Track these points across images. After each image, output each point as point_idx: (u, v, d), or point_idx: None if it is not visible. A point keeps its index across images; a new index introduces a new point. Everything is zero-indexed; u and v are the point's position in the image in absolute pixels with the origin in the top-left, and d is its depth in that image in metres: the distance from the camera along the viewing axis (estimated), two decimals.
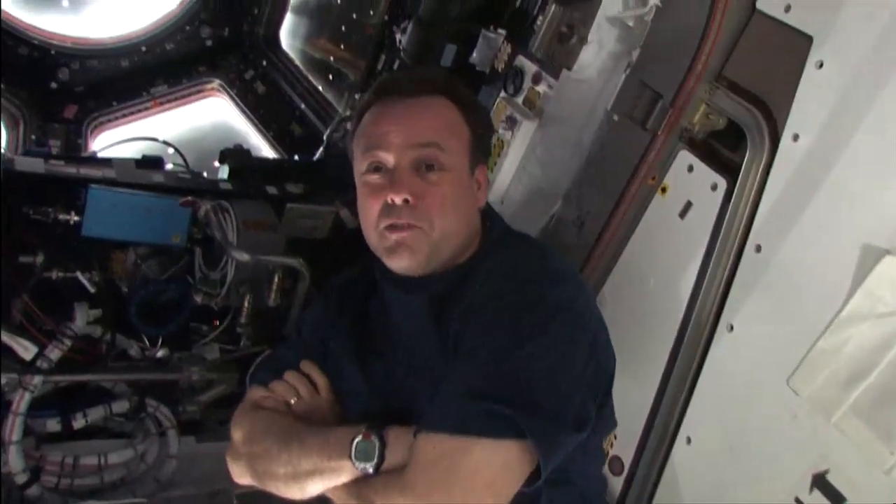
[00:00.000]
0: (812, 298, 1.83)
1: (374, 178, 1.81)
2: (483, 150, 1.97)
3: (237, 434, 1.89)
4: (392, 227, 1.78)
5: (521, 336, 1.62)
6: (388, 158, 1.79)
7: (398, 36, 3.74)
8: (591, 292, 1.99)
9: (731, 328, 2.04)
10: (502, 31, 3.25)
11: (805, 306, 1.85)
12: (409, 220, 1.76)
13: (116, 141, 3.62)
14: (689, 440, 2.12)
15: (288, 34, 5.03)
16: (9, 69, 4.31)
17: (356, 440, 1.66)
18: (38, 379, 2.62)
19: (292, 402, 1.93)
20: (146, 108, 4.77)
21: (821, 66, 1.90)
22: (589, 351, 1.69)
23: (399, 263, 1.81)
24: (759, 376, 1.94)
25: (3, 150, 4.05)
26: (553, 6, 2.68)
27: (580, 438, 1.63)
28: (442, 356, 1.75)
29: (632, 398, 2.23)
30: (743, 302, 2.02)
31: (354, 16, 4.52)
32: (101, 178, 2.89)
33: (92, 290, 2.88)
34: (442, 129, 1.84)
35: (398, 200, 1.76)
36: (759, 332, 1.97)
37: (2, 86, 4.19)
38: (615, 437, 2.31)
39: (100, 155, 3.46)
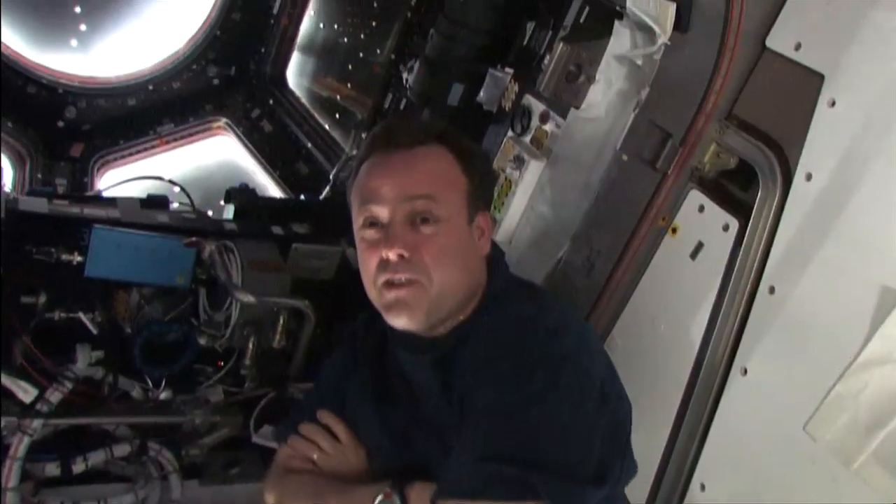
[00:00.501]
0: (828, 341, 1.80)
1: (370, 233, 1.80)
2: (484, 197, 1.94)
3: (270, 500, 1.95)
4: (389, 284, 1.76)
5: (528, 395, 1.59)
6: (383, 213, 1.77)
7: (405, 75, 3.75)
8: (597, 340, 1.94)
9: (745, 372, 2.00)
10: (509, 70, 3.25)
11: (821, 349, 1.81)
12: (406, 274, 1.74)
13: (122, 180, 3.59)
14: (703, 487, 2.07)
15: (294, 73, 5.05)
16: (16, 108, 4.33)
17: (378, 500, 1.70)
18: (37, 422, 2.57)
19: (315, 457, 1.96)
20: (152, 147, 4.77)
21: (833, 104, 1.88)
22: (600, 401, 1.66)
23: (398, 321, 1.79)
24: (775, 421, 1.90)
25: (7, 190, 4.04)
26: (560, 45, 2.67)
27: (603, 493, 1.60)
28: (450, 416, 1.73)
29: (643, 443, 2.16)
30: (757, 345, 1.98)
31: (361, 55, 4.53)
32: (105, 217, 2.86)
33: (94, 331, 2.84)
34: (436, 179, 1.81)
35: (393, 256, 1.74)
36: (774, 376, 1.93)
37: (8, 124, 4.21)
38: None
39: (105, 194, 3.43)
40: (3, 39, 4.19)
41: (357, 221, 1.84)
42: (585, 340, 1.77)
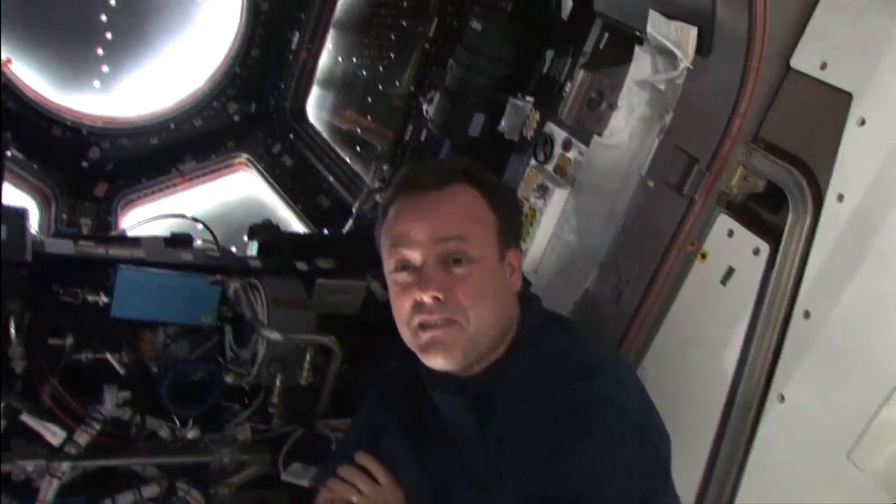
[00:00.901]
0: (867, 365, 1.76)
1: (402, 276, 1.79)
2: (512, 233, 1.93)
3: None
4: (424, 326, 1.75)
5: (565, 439, 1.58)
6: (414, 256, 1.77)
7: (425, 106, 3.74)
8: (634, 375, 1.90)
9: (783, 399, 1.95)
10: (530, 99, 3.23)
11: (860, 373, 1.77)
12: (441, 314, 1.73)
13: (146, 219, 3.61)
14: None
15: (314, 107, 5.07)
16: (41, 150, 4.39)
17: None
18: (66, 465, 2.57)
19: (355, 500, 1.94)
20: (175, 185, 4.81)
21: (863, 123, 1.85)
22: (639, 441, 1.63)
23: (435, 361, 1.77)
24: (817, 449, 1.85)
25: (34, 231, 4.07)
26: (581, 72, 2.67)
27: None
28: (485, 459, 1.72)
29: (679, 475, 2.11)
30: (793, 370, 1.94)
31: (380, 87, 4.55)
32: (129, 258, 2.87)
33: (121, 371, 2.84)
34: (466, 219, 1.79)
35: (427, 299, 1.73)
36: (814, 402, 1.88)
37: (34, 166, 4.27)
38: None
39: (129, 233, 3.46)
40: (28, 83, 4.26)
41: (388, 264, 1.83)
42: (622, 377, 1.75)
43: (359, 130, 4.81)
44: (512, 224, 1.91)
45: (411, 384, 1.98)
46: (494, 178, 1.96)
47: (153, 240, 3.18)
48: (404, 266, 1.79)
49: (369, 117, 4.71)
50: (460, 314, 1.73)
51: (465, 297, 1.73)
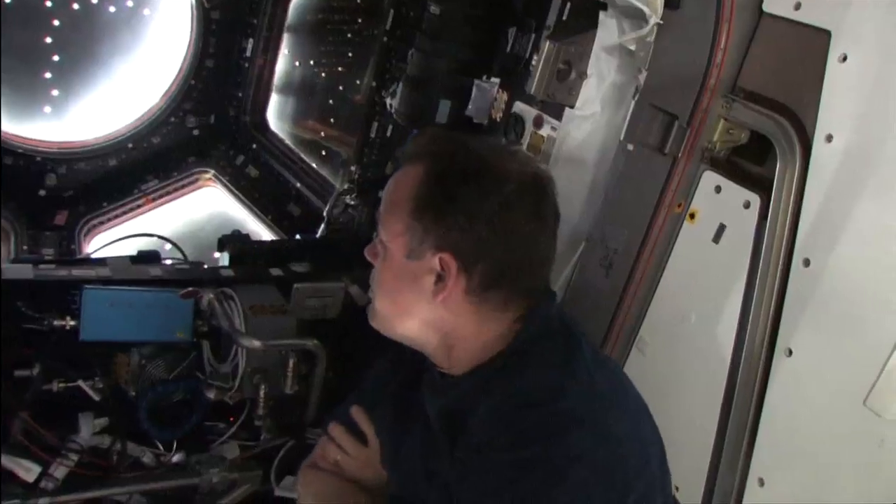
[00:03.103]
0: (875, 306, 1.68)
1: None
2: (447, 236, 1.57)
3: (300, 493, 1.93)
4: None
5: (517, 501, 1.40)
6: None
7: (388, 100, 3.66)
8: (625, 401, 1.61)
9: (790, 353, 1.87)
10: (496, 80, 3.15)
11: (869, 316, 1.70)
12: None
13: (109, 241, 3.50)
14: (761, 482, 1.92)
15: (275, 114, 4.97)
16: None
17: None
18: (43, 502, 2.44)
19: (339, 458, 1.89)
20: (139, 206, 4.68)
21: (844, 59, 1.80)
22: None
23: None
24: (831, 400, 1.77)
25: None
26: (547, 43, 2.58)
27: None
28: (452, 470, 1.58)
29: (690, 446, 2.05)
30: (798, 322, 1.86)
31: (341, 87, 4.46)
32: (95, 277, 2.76)
33: (96, 397, 2.74)
34: (390, 200, 1.64)
35: None
36: (823, 352, 1.80)
37: None
38: (677, 489, 2.10)
39: (93, 257, 3.33)
40: None
41: None
42: (611, 423, 1.49)
43: (322, 135, 4.71)
44: (443, 224, 1.57)
45: (418, 367, 1.86)
46: (461, 166, 1.61)
47: (119, 259, 3.08)
48: None
49: (332, 121, 4.61)
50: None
51: (372, 279, 1.71)
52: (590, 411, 1.47)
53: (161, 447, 2.89)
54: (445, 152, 1.64)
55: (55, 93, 4.38)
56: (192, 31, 4.53)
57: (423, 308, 1.63)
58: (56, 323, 2.64)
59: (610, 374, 1.62)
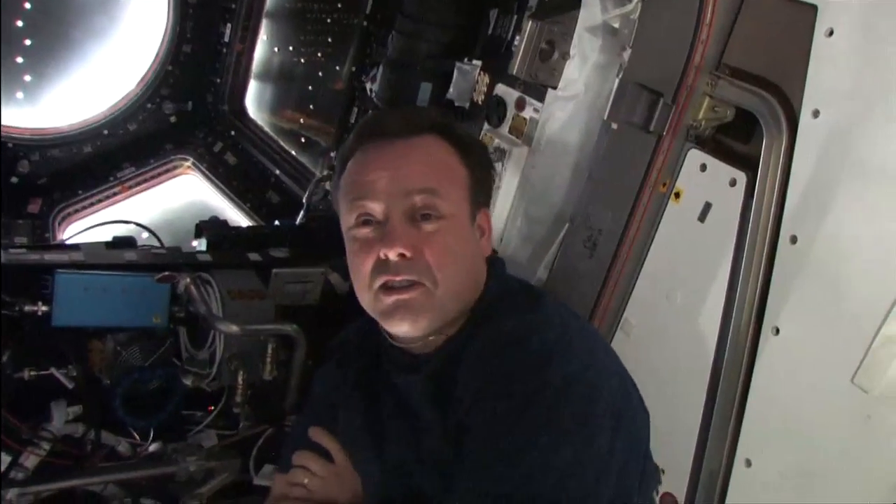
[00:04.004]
0: (862, 284, 1.67)
1: (364, 232, 1.61)
2: (484, 192, 1.75)
3: None
4: (388, 288, 1.57)
5: (532, 429, 1.42)
6: (378, 209, 1.59)
7: (368, 85, 3.62)
8: (605, 347, 1.70)
9: (777, 331, 1.85)
10: (477, 63, 3.12)
11: (856, 293, 1.68)
12: (407, 275, 1.55)
13: (83, 228, 3.42)
14: (748, 463, 1.90)
15: (254, 101, 4.91)
16: None
17: None
18: (13, 492, 2.37)
19: (306, 482, 1.79)
20: (115, 194, 4.63)
21: (831, 33, 1.78)
22: (613, 423, 1.47)
23: (399, 328, 1.61)
24: (819, 379, 1.75)
25: None
26: (530, 22, 2.56)
27: None
28: (447, 445, 1.55)
29: (676, 427, 2.03)
30: (786, 301, 1.84)
31: (321, 74, 4.40)
32: (68, 262, 2.68)
33: (70, 385, 2.66)
34: (436, 172, 1.62)
35: (392, 256, 1.55)
36: (810, 331, 1.78)
37: None
38: (663, 472, 2.08)
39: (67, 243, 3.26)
40: None
41: (347, 220, 1.65)
42: (592, 353, 1.56)
43: (302, 122, 4.65)
44: (484, 183, 1.74)
45: (370, 359, 1.82)
46: (468, 132, 1.80)
47: (93, 245, 3.00)
48: (366, 221, 1.61)
49: (312, 107, 4.55)
50: (427, 276, 1.56)
51: (433, 256, 1.56)
52: (568, 337, 1.54)
53: (137, 436, 2.82)
54: (445, 121, 1.74)
55: (27, 78, 4.31)
56: (168, 16, 4.49)
57: (479, 267, 1.71)
58: (27, 308, 2.54)
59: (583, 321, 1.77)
